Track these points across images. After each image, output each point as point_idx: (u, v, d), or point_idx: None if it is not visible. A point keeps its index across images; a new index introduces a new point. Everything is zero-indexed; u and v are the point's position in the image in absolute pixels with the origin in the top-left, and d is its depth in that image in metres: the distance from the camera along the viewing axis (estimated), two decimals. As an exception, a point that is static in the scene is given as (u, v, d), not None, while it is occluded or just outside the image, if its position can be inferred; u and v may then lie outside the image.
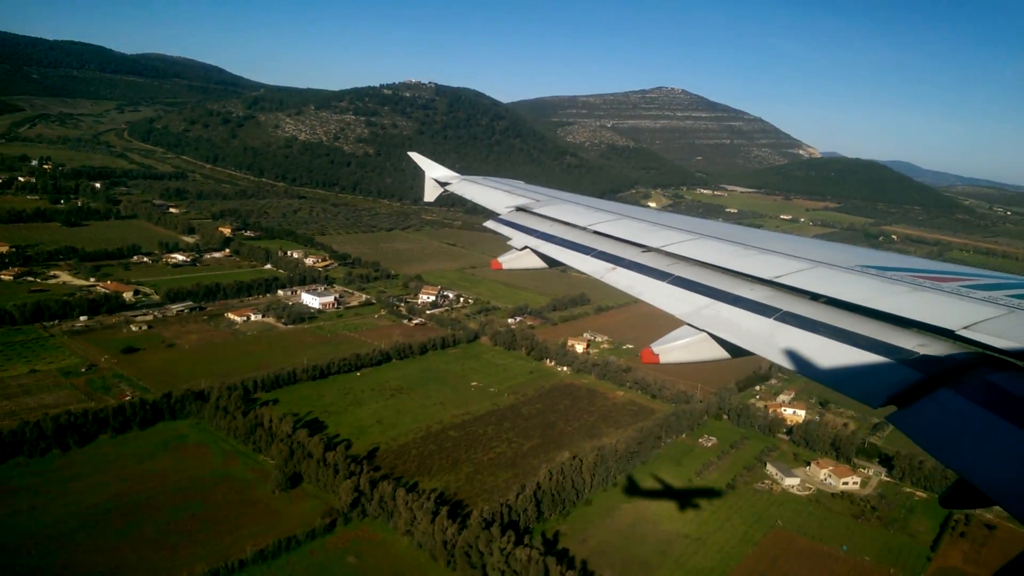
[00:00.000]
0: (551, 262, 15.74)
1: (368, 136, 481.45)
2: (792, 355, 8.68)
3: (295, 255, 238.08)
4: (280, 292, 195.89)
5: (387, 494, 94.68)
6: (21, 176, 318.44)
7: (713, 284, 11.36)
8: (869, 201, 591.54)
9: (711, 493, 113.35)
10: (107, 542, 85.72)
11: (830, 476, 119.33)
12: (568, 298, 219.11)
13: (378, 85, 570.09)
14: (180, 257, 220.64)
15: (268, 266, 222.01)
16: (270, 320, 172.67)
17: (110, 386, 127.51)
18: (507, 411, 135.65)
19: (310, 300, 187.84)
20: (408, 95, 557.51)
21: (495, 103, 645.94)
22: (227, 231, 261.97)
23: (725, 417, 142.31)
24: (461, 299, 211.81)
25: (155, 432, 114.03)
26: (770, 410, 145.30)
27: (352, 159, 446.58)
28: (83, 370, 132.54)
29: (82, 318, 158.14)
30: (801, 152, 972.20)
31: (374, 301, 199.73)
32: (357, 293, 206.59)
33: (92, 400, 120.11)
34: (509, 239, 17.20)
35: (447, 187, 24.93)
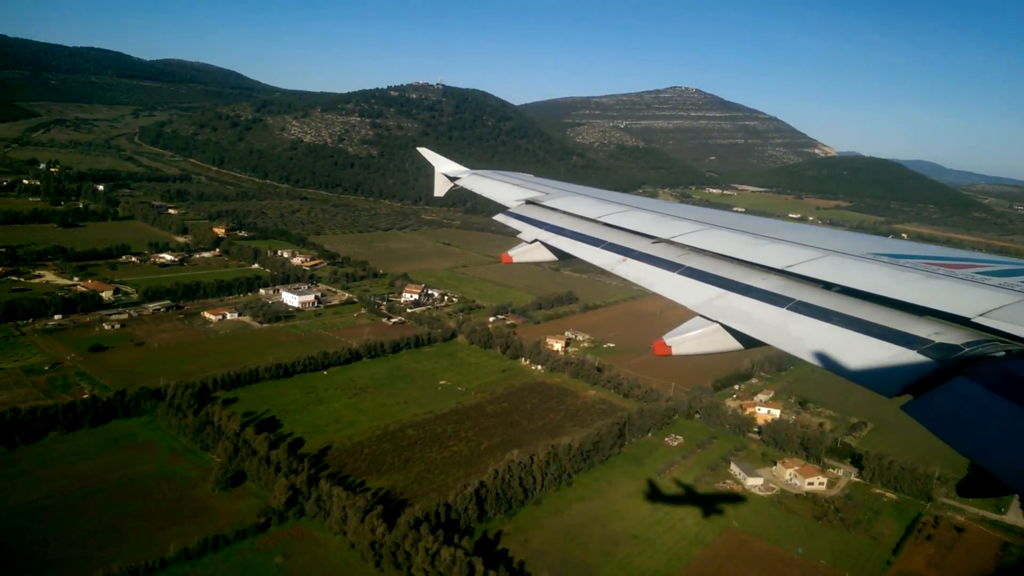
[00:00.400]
0: (561, 255, 15.74)
1: (373, 137, 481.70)
2: (805, 345, 8.65)
3: (284, 254, 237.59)
4: (262, 291, 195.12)
5: (325, 493, 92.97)
6: (26, 179, 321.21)
7: (725, 274, 11.34)
8: (882, 200, 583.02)
9: (735, 498, 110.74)
10: (35, 539, 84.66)
11: (795, 476, 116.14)
12: (555, 296, 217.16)
13: (385, 87, 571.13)
14: (168, 257, 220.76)
15: (255, 265, 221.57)
16: (246, 319, 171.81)
17: (70, 384, 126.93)
18: (471, 410, 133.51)
19: (290, 299, 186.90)
20: (415, 96, 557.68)
21: (503, 104, 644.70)
22: (221, 231, 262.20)
23: (697, 416, 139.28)
24: (445, 298, 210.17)
25: (107, 430, 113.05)
26: (745, 410, 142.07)
27: (356, 160, 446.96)
28: (46, 368, 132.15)
29: (56, 317, 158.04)
30: (817, 151, 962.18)
31: (356, 300, 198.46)
32: (340, 292, 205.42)
33: (50, 398, 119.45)
34: (519, 232, 17.26)
35: (456, 182, 25.12)
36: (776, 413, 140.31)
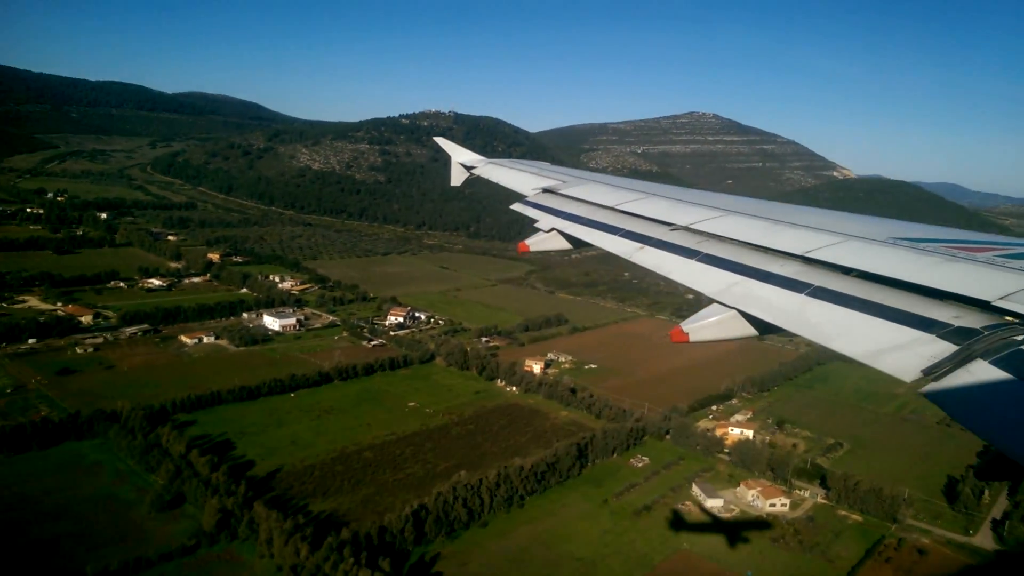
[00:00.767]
0: (577, 243, 15.82)
1: (381, 164, 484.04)
2: (823, 330, 8.62)
3: (274, 278, 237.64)
4: (244, 315, 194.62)
5: (257, 515, 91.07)
6: (31, 207, 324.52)
7: (743, 261, 11.28)
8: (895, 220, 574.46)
9: (762, 525, 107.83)
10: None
11: (757, 497, 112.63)
12: (543, 319, 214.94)
13: (397, 115, 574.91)
14: (156, 282, 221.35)
15: (244, 290, 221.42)
16: (222, 342, 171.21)
17: (30, 407, 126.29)
18: (435, 431, 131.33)
19: (271, 322, 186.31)
20: (426, 124, 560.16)
21: (516, 130, 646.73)
22: (215, 257, 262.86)
23: (668, 437, 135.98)
24: (432, 320, 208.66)
25: (56, 452, 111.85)
26: (717, 430, 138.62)
27: (362, 187, 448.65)
28: (8, 391, 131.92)
29: (30, 341, 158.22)
30: (835, 174, 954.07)
31: (339, 323, 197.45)
32: (325, 315, 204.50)
33: (6, 420, 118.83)
34: (536, 221, 17.27)
35: (473, 171, 24.83)
36: (749, 434, 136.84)
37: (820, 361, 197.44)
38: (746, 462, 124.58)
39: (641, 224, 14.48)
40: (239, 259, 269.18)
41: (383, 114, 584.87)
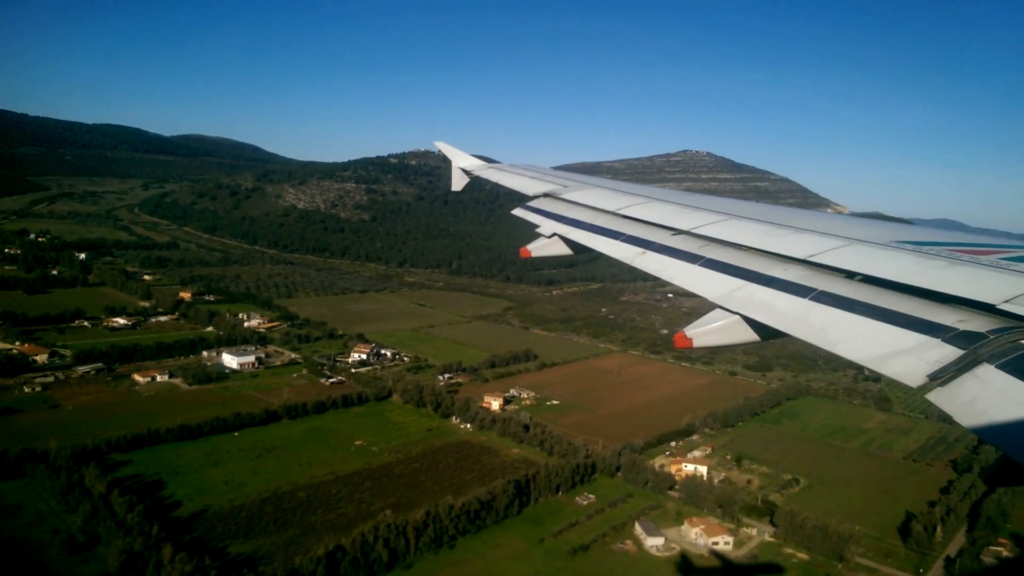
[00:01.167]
0: (579, 248, 15.77)
1: (367, 203, 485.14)
2: (827, 335, 8.52)
3: (242, 316, 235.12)
4: (204, 353, 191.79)
5: (165, 557, 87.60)
6: (10, 248, 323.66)
7: (746, 265, 11.19)
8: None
9: (775, 569, 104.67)
10: None
11: (700, 535, 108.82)
12: (511, 355, 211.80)
13: (386, 155, 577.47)
14: (121, 321, 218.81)
15: (209, 328, 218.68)
16: (176, 381, 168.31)
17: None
18: (377, 470, 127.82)
19: (229, 360, 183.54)
20: (414, 163, 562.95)
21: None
22: (187, 295, 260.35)
23: (620, 474, 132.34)
24: (397, 357, 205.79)
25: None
26: (671, 467, 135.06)
27: (346, 225, 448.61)
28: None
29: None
30: (829, 210, 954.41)
31: (300, 360, 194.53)
32: (289, 353, 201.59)
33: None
34: (537, 226, 17.26)
35: (473, 172, 25.10)
36: (703, 470, 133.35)
37: (790, 396, 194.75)
38: (694, 499, 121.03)
39: (643, 229, 14.35)
40: (211, 298, 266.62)
41: (380, 152, 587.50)
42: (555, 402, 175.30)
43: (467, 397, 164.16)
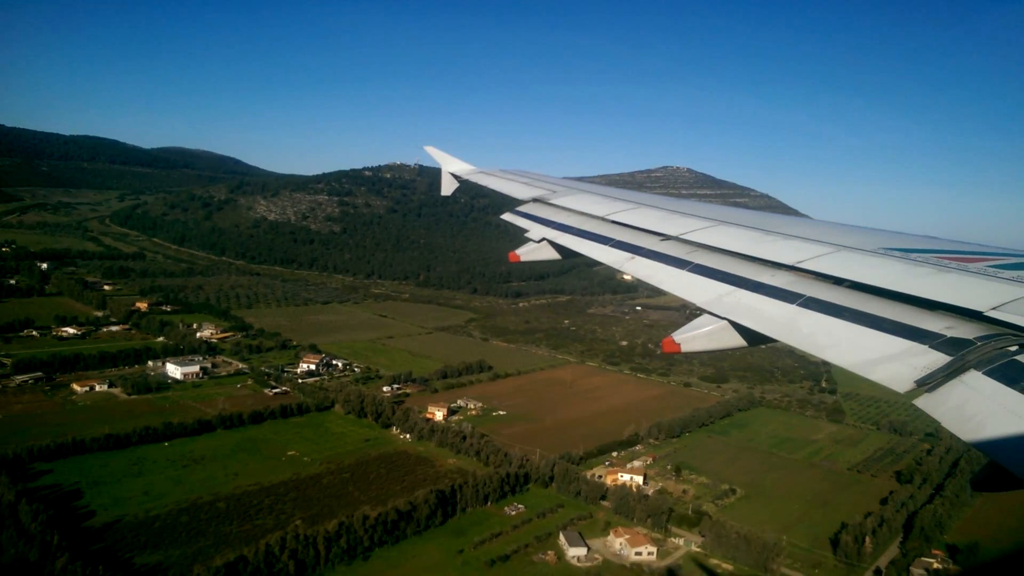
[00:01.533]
0: (568, 253, 15.79)
1: (338, 215, 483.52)
2: (815, 341, 8.55)
3: (194, 326, 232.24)
4: (150, 363, 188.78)
5: (59, 567, 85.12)
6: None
7: (734, 271, 11.16)
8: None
9: None
10: None
11: (624, 546, 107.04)
12: (464, 366, 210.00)
13: (361, 167, 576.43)
14: (71, 330, 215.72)
15: (160, 338, 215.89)
16: (115, 391, 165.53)
17: None
18: (304, 481, 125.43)
19: (173, 370, 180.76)
20: (389, 176, 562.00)
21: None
22: (143, 305, 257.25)
23: (553, 484, 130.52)
24: (348, 367, 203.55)
25: None
26: (607, 477, 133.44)
27: (316, 236, 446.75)
28: None
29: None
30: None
31: (247, 371, 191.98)
32: (237, 363, 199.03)
33: None
34: (526, 231, 17.21)
35: (462, 179, 25.03)
36: (639, 480, 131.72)
37: (741, 407, 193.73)
38: (624, 509, 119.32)
39: (631, 234, 14.38)
40: (168, 308, 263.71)
41: (356, 166, 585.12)
42: (502, 413, 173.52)
43: (408, 408, 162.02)
